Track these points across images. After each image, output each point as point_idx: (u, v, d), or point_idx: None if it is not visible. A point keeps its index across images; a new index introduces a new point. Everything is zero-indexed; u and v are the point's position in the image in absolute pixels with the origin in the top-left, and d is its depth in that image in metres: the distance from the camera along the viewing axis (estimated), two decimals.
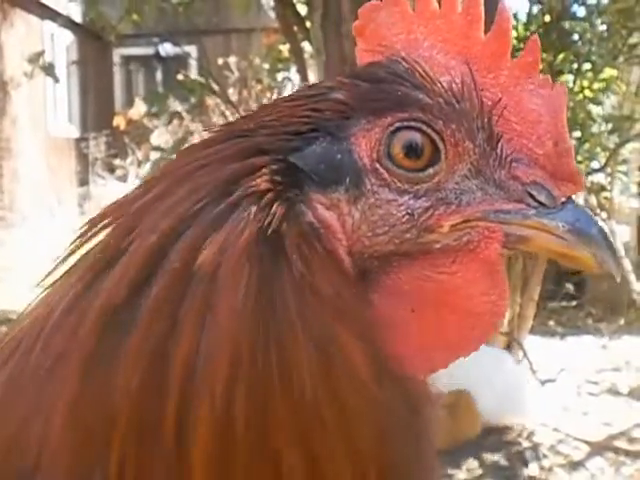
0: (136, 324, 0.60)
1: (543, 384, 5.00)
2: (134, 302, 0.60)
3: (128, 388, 0.59)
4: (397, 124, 0.64)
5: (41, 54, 4.80)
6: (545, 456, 4.23)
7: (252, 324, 0.58)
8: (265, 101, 11.25)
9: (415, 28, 0.69)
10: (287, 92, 10.35)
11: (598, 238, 0.63)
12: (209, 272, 0.59)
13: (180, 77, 10.75)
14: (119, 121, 12.98)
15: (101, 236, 0.69)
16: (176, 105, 9.03)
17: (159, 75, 15.32)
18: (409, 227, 0.64)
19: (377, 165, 0.65)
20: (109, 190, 12.46)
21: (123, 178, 12.91)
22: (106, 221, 0.69)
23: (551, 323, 6.56)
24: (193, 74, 12.19)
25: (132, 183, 12.84)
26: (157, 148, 6.16)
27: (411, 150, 0.64)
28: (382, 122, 0.64)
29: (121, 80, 15.63)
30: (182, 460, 0.58)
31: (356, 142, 0.65)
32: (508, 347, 5.10)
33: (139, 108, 13.13)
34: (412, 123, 0.64)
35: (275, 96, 11.15)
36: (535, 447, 4.33)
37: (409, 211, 0.64)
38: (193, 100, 6.66)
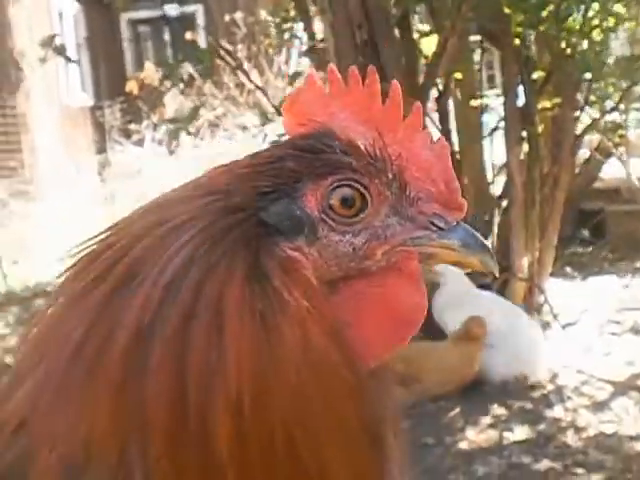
0: (154, 354, 0.74)
1: (564, 328, 5.08)
2: (155, 330, 0.75)
3: (157, 398, 0.73)
4: (335, 184, 0.85)
5: (53, 37, 4.88)
6: (569, 398, 4.33)
7: (253, 341, 0.76)
8: (274, 57, 11.23)
9: (331, 104, 0.91)
10: (295, 50, 10.32)
11: (480, 248, 0.86)
12: (214, 303, 0.76)
13: (188, 37, 10.74)
14: (132, 86, 12.99)
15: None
16: (187, 66, 9.04)
17: (167, 36, 15.31)
18: (352, 258, 0.86)
19: (323, 216, 0.85)
20: (127, 156, 12.56)
21: (140, 142, 12.99)
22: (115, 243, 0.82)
23: (571, 267, 6.59)
24: (201, 33, 12.18)
25: (148, 147, 12.92)
26: (173, 120, 6.22)
27: (345, 202, 0.85)
28: (324, 183, 0.85)
29: (130, 44, 15.62)
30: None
31: (307, 200, 0.85)
32: (529, 292, 5.18)
33: (150, 71, 13.15)
34: (345, 182, 0.85)
35: (284, 53, 11.13)
36: (559, 389, 4.42)
37: (351, 247, 0.86)
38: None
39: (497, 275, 0.87)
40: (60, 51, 4.90)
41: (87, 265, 0.82)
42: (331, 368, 0.77)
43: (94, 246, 0.83)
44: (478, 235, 0.87)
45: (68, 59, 5.29)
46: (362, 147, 0.86)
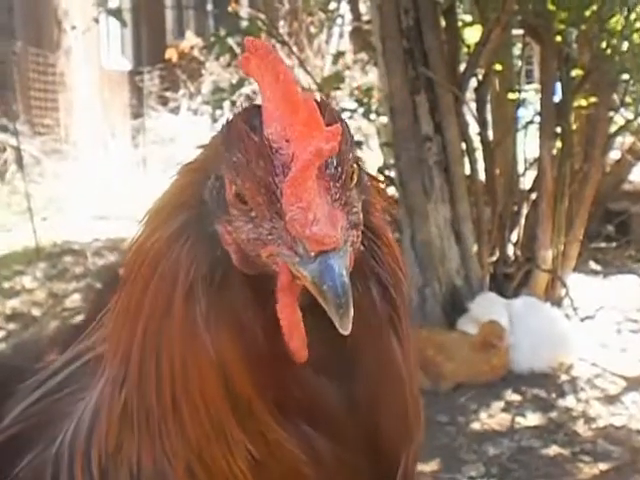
0: None
1: (583, 321, 5.18)
2: None
3: None
4: (230, 182, 0.91)
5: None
6: (582, 389, 4.45)
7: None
8: (315, 35, 11.26)
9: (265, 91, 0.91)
10: (336, 29, 10.36)
11: (327, 293, 0.83)
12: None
13: (230, 9, 10.81)
14: (171, 54, 13.11)
15: None
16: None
17: (209, 6, 15.37)
18: (252, 247, 0.90)
19: (232, 201, 0.91)
20: (162, 123, 12.67)
21: (175, 111, 13.09)
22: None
23: (594, 262, 6.68)
24: (244, 5, 12.23)
25: (184, 115, 13.04)
26: (218, 90, 6.34)
27: (239, 196, 0.90)
28: (229, 176, 0.91)
29: (172, 12, 15.69)
30: None
31: (228, 185, 0.91)
32: (551, 285, 5.27)
33: (190, 41, 13.25)
34: (234, 181, 0.90)
35: (325, 31, 11.16)
36: (573, 380, 4.54)
37: (247, 236, 0.90)
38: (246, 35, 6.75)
39: (344, 331, 0.83)
40: (115, 14, 5.01)
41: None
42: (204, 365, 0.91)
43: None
44: (334, 275, 0.83)
45: (123, 23, 5.37)
46: (254, 148, 0.88)
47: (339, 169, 0.88)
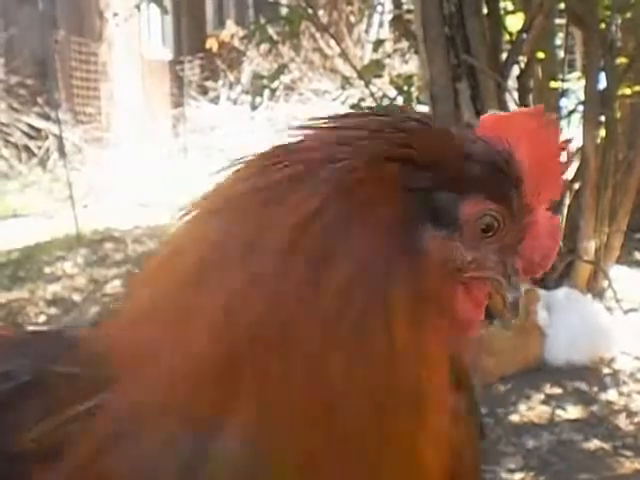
0: None
1: (626, 313, 5.09)
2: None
3: None
4: (492, 211, 0.90)
5: None
6: (624, 382, 4.37)
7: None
8: (355, 24, 11.22)
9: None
10: (376, 18, 10.31)
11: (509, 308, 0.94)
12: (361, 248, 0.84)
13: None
14: (212, 43, 13.14)
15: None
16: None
17: None
18: (455, 265, 0.89)
19: (467, 226, 0.90)
20: (202, 112, 12.73)
21: (215, 100, 13.14)
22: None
23: (639, 254, 6.56)
24: None
25: (223, 105, 13.09)
26: (258, 76, 6.33)
27: (487, 227, 0.91)
28: (488, 204, 0.90)
29: (212, 1, 15.74)
30: None
31: (467, 205, 0.89)
32: (593, 276, 5.19)
33: (230, 30, 13.28)
34: (497, 214, 0.91)
35: (365, 20, 11.11)
36: (615, 374, 4.47)
37: (460, 258, 0.89)
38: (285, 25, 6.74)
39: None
40: (156, 0, 5.01)
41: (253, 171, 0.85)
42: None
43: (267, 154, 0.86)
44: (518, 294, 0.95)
45: (164, 10, 5.37)
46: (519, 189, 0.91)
47: None
